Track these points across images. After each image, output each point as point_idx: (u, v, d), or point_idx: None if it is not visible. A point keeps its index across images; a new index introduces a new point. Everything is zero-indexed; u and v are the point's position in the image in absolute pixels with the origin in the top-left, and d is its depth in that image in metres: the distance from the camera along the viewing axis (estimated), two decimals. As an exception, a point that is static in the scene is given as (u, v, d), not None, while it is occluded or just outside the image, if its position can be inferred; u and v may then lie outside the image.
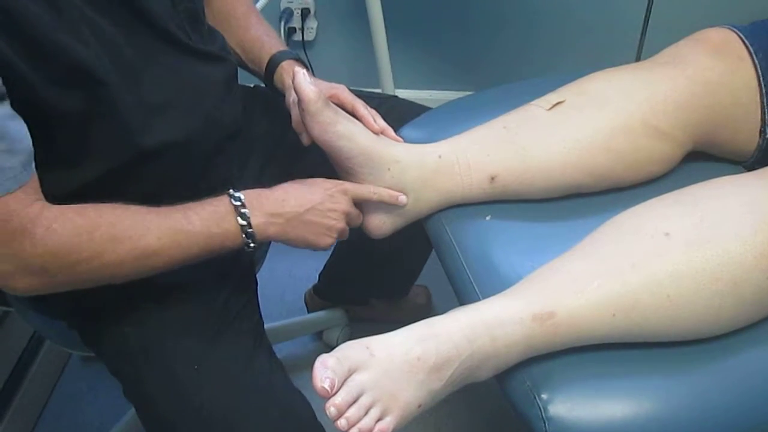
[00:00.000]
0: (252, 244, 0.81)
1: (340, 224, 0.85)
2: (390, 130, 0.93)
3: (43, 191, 0.72)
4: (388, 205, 0.89)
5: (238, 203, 0.79)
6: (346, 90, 0.95)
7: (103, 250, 0.72)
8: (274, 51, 0.97)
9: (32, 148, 0.70)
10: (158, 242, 0.75)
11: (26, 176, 0.69)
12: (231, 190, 0.80)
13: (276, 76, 0.97)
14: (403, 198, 0.88)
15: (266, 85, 0.99)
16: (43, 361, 1.36)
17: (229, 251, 0.80)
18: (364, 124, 0.90)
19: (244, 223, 0.79)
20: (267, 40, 0.98)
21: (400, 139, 0.93)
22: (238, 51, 0.98)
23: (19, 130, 0.68)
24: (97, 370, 1.40)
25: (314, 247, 0.86)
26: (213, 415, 0.80)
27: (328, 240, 0.85)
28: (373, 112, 0.93)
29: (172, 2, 0.81)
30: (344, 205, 0.85)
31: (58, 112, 0.71)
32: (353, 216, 0.88)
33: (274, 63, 0.96)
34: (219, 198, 0.80)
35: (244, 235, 0.80)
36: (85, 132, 0.75)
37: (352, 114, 0.91)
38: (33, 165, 0.70)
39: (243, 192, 0.80)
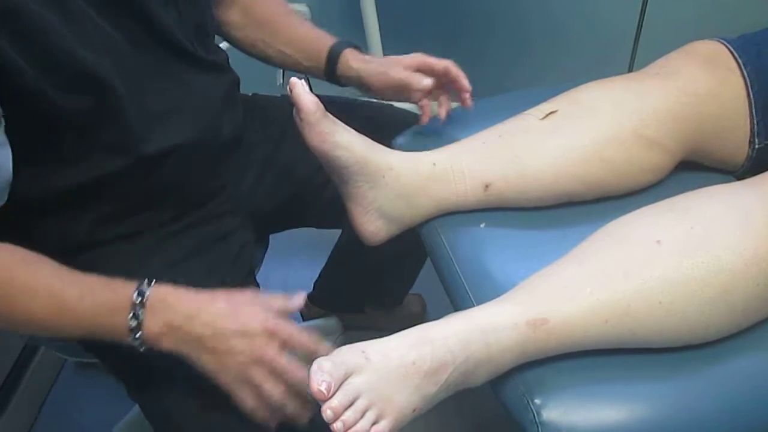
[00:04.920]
0: (141, 348, 0.72)
1: (250, 371, 0.71)
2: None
3: (44, 184, 0.71)
4: (383, 211, 0.89)
5: (139, 300, 0.70)
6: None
7: None
8: (330, 42, 0.96)
9: (10, 178, 0.69)
10: (41, 311, 0.70)
11: None
12: (146, 281, 0.71)
13: (340, 65, 0.96)
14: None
15: (327, 77, 0.97)
16: (36, 369, 1.36)
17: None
18: (458, 86, 0.93)
19: (134, 324, 0.70)
20: (320, 34, 0.97)
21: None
22: (288, 50, 0.97)
23: (3, 160, 0.67)
24: (91, 377, 1.40)
25: (216, 379, 0.72)
26: (222, 409, 0.80)
27: (236, 387, 0.71)
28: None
29: (179, 13, 0.82)
30: (261, 349, 0.70)
31: (63, 114, 0.72)
32: (280, 371, 0.71)
33: (335, 53, 0.95)
34: (127, 284, 0.72)
35: (131, 338, 0.71)
36: (87, 135, 0.75)
37: (445, 77, 0.93)
38: (5, 196, 0.70)
39: (157, 287, 0.71)
